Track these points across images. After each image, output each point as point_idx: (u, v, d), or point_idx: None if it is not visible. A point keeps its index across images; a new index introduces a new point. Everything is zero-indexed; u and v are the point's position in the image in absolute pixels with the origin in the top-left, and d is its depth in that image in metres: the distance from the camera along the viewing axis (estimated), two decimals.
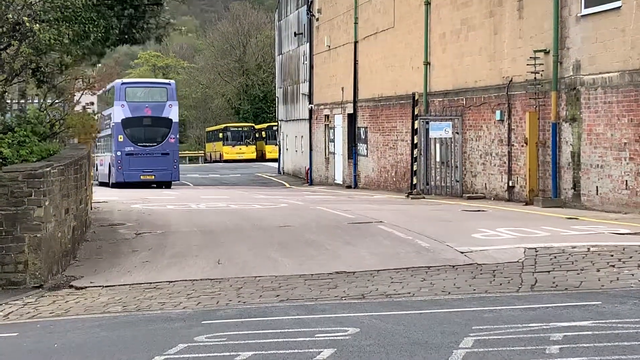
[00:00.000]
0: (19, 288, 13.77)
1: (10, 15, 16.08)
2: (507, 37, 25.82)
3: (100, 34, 16.94)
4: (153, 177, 42.44)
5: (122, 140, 42.10)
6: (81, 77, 23.61)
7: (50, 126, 19.88)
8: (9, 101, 20.55)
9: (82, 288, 13.74)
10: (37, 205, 13.85)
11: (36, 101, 21.95)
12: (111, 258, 16.29)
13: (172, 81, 47.70)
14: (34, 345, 9.85)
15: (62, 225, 15.39)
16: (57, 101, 21.90)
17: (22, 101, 21.95)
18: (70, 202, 16.37)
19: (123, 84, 43.70)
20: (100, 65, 26.15)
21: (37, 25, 15.81)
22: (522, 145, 24.72)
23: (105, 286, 13.76)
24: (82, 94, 23.74)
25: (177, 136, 44.11)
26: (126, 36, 18.44)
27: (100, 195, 29.85)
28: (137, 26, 18.48)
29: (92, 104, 24.27)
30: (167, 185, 43.07)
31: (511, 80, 25.45)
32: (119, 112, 42.54)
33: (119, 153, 42.23)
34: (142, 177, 42.04)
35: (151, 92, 44.08)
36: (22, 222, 13.81)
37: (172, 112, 42.96)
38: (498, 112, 26.22)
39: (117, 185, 41.75)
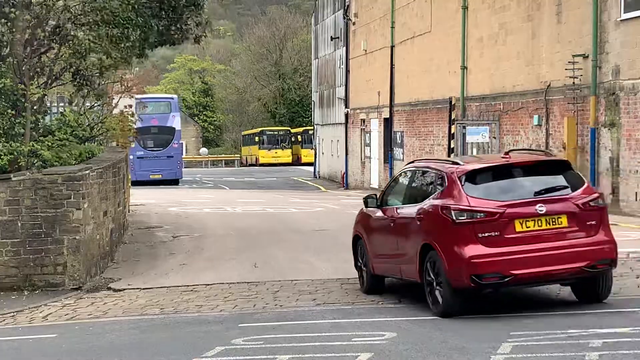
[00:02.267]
0: (57, 290, 13.91)
1: (51, 20, 16.26)
2: (545, 42, 25.65)
3: (139, 35, 17.07)
4: (160, 176, 49.23)
5: (134, 146, 45.60)
6: (120, 81, 23.80)
7: (89, 129, 20.06)
8: (49, 104, 20.77)
9: (120, 290, 13.84)
10: (76, 207, 13.98)
11: (75, 104, 22.16)
12: (149, 260, 16.39)
13: (175, 96, 55.77)
14: (72, 346, 9.94)
15: (101, 228, 15.52)
16: (96, 104, 22.09)
17: (62, 104, 22.17)
18: (109, 205, 16.51)
19: (136, 98, 47.66)
20: (138, 69, 26.33)
21: (77, 28, 15.97)
22: (560, 151, 24.54)
23: (143, 288, 13.84)
24: (121, 97, 23.94)
25: (180, 141, 51.02)
26: (164, 37, 18.53)
27: (138, 198, 30.05)
28: (175, 27, 18.57)
29: (131, 106, 24.44)
30: (174, 182, 49.52)
31: (549, 85, 25.28)
32: (138, 123, 45.17)
33: (131, 157, 45.42)
34: (151, 176, 48.82)
35: (157, 105, 50.76)
36: (61, 224, 13.96)
37: (175, 122, 50.31)
38: (536, 117, 26.05)
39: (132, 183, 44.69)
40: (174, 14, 18.23)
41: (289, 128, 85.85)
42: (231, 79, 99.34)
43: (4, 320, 12.23)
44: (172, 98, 53.70)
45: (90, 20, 16.16)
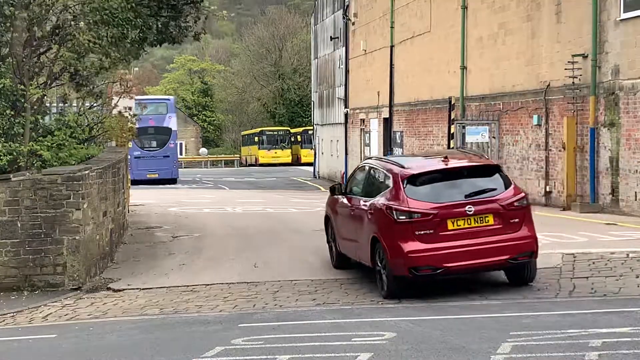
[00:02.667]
0: (57, 290, 13.91)
1: (52, 18, 16.25)
2: (545, 42, 25.66)
3: (138, 34, 17.07)
4: (157, 175, 50.65)
5: (131, 146, 47.40)
6: (119, 81, 23.79)
7: (89, 129, 20.06)
8: (48, 104, 20.76)
9: (119, 290, 13.85)
10: (76, 207, 13.98)
11: (75, 105, 22.15)
12: (148, 261, 16.39)
13: (172, 97, 56.40)
14: (72, 346, 9.94)
15: (100, 228, 15.52)
16: (95, 105, 22.09)
17: (61, 104, 22.16)
18: (108, 205, 16.51)
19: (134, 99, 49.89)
20: (137, 69, 26.32)
21: (76, 29, 15.97)
22: (560, 150, 24.55)
23: (143, 288, 13.85)
24: (120, 98, 23.94)
25: (176, 142, 52.27)
26: (163, 35, 18.52)
27: (137, 198, 30.05)
28: (175, 23, 18.56)
29: (130, 108, 24.44)
30: (171, 182, 50.53)
31: (549, 85, 25.29)
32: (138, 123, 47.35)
33: (129, 156, 47.07)
34: (148, 175, 50.21)
35: (154, 106, 51.38)
36: (60, 225, 13.96)
37: (172, 122, 51.52)
38: (535, 117, 26.06)
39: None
40: (173, 11, 18.23)
41: (289, 128, 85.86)
42: (231, 79, 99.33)
43: (3, 320, 12.23)
44: (169, 99, 55.25)
45: (90, 20, 16.16)
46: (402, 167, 13.23)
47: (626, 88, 21.72)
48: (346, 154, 48.04)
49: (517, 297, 11.75)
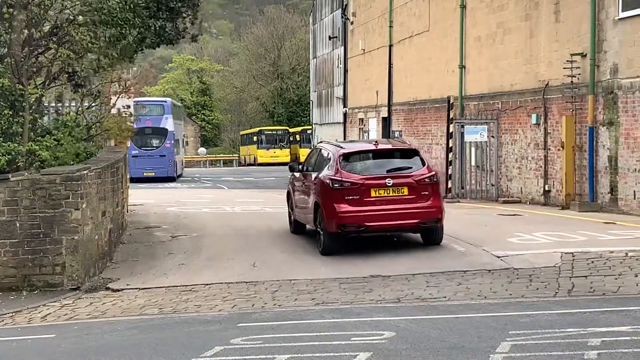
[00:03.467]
0: (56, 290, 13.91)
1: (51, 14, 16.25)
2: (544, 41, 25.67)
3: (136, 35, 17.08)
4: (153, 173, 53.38)
5: (129, 145, 51.71)
6: (117, 81, 23.81)
7: (87, 129, 20.06)
8: (46, 104, 20.76)
9: (118, 290, 13.85)
10: (75, 207, 13.98)
11: (73, 104, 22.15)
12: (147, 260, 16.39)
13: (168, 99, 60.13)
14: (71, 346, 9.94)
15: (99, 228, 15.51)
16: (93, 104, 22.09)
17: (60, 104, 22.17)
18: (107, 205, 16.50)
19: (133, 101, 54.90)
20: (135, 68, 26.34)
21: (75, 29, 15.98)
22: (559, 149, 24.56)
23: (142, 288, 13.85)
24: (118, 97, 23.95)
25: (172, 142, 54.48)
26: (161, 37, 18.55)
27: (136, 197, 30.04)
28: (173, 25, 18.59)
29: (129, 107, 24.44)
30: (169, 180, 53.22)
31: (547, 84, 25.30)
32: (136, 123, 51.79)
33: (127, 155, 50.05)
34: (144, 173, 52.98)
35: (152, 107, 55.13)
36: (59, 225, 13.95)
37: (168, 123, 54.33)
38: (534, 116, 26.07)
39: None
40: (171, 13, 18.25)
41: (287, 127, 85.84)
42: (229, 79, 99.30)
43: (2, 320, 12.23)
44: (165, 101, 57.86)
45: (88, 20, 16.16)
46: (341, 148, 17.07)
47: (625, 87, 21.73)
48: None
49: (516, 296, 11.76)
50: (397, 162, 16.67)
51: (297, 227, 19.06)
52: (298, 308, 11.53)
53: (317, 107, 60.26)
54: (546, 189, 25.41)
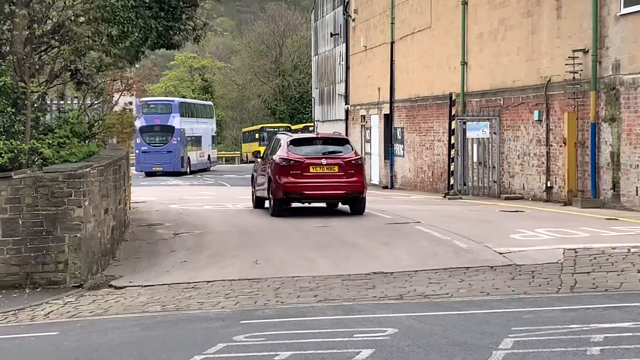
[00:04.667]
0: (59, 287, 13.92)
1: (54, 13, 16.25)
2: (545, 37, 25.65)
3: (138, 35, 17.09)
4: (161, 168, 57.81)
5: (139, 142, 58.02)
6: (119, 79, 23.82)
7: (89, 127, 20.06)
8: (48, 102, 20.77)
9: (121, 288, 13.85)
10: (77, 205, 13.98)
11: (75, 102, 22.16)
12: (150, 258, 16.40)
13: (176, 99, 65.64)
14: (74, 344, 9.95)
15: (102, 225, 15.52)
16: (96, 102, 22.10)
17: (62, 102, 22.17)
18: (110, 202, 16.51)
19: (140, 101, 60.38)
20: (137, 66, 26.38)
21: (77, 25, 15.98)
22: (561, 146, 24.55)
23: (144, 286, 13.85)
24: (121, 95, 23.96)
25: (179, 138, 58.78)
26: (164, 39, 18.58)
27: (139, 195, 30.05)
28: (175, 28, 18.62)
29: (131, 104, 24.48)
30: (176, 174, 57.24)
31: (549, 80, 25.28)
32: (137, 122, 56.98)
33: (137, 151, 58.50)
34: (153, 168, 57.78)
35: (160, 106, 60.08)
36: (62, 222, 13.96)
37: (175, 121, 58.82)
38: (536, 112, 26.06)
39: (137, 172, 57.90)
40: (174, 14, 18.26)
41: (289, 125, 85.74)
42: (231, 76, 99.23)
43: (5, 318, 12.24)
44: (173, 101, 62.58)
45: (91, 17, 16.16)
46: (290, 136, 23.22)
47: (627, 83, 21.71)
48: None
49: (519, 292, 11.75)
50: (332, 148, 22.33)
51: (257, 203, 24.51)
52: (300, 305, 11.54)
53: (319, 104, 60.23)
54: (548, 185, 25.41)
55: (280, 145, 22.36)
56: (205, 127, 65.97)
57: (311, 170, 21.36)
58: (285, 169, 21.40)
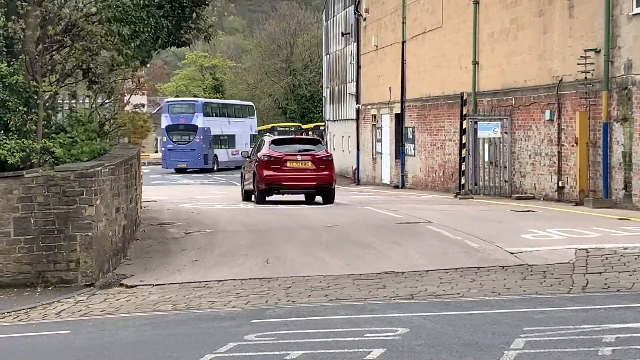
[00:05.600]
0: (70, 286, 13.96)
1: (66, 11, 16.28)
2: (557, 36, 25.60)
3: (149, 34, 17.12)
4: (185, 165, 61.71)
5: (165, 140, 63.16)
6: (131, 77, 23.87)
7: (100, 126, 20.11)
8: (60, 101, 20.82)
9: (132, 286, 13.88)
10: (89, 204, 14.02)
11: (87, 101, 22.20)
12: (161, 257, 16.42)
13: (200, 99, 70.42)
14: (85, 342, 9.98)
15: (113, 224, 15.55)
16: (107, 101, 22.15)
17: (73, 101, 22.22)
18: (121, 201, 16.54)
19: (167, 102, 67.57)
20: (148, 65, 26.47)
21: (89, 25, 16.02)
22: (572, 145, 24.50)
23: (156, 285, 13.87)
24: (132, 95, 24.03)
25: (202, 137, 62.51)
26: (174, 38, 18.62)
27: (150, 194, 30.10)
28: (185, 27, 18.65)
29: (143, 105, 24.65)
30: (203, 171, 61.25)
31: (561, 80, 25.23)
32: (164, 121, 64.01)
33: (163, 149, 64.18)
34: (178, 165, 61.78)
35: (184, 106, 64.41)
36: (73, 221, 13.99)
37: (199, 121, 62.85)
38: (547, 112, 26.01)
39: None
40: (184, 12, 18.29)
41: (300, 124, 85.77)
42: (242, 75, 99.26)
43: (17, 316, 12.28)
44: (197, 101, 67.08)
45: (103, 16, 16.20)
46: (272, 137, 28.66)
47: (639, 83, 21.65)
48: (358, 149, 48.00)
49: (530, 292, 11.73)
50: (306, 147, 27.02)
51: (246, 195, 28.68)
52: (311, 304, 11.54)
53: (330, 104, 60.25)
54: (560, 185, 25.35)
55: (264, 145, 26.77)
56: (240, 126, 69.72)
57: (288, 165, 25.84)
58: (267, 164, 25.76)
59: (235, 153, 67.30)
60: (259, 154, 26.31)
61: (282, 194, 26.94)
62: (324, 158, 26.27)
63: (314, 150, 26.53)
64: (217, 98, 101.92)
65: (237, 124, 69.48)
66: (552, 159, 25.84)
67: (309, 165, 25.80)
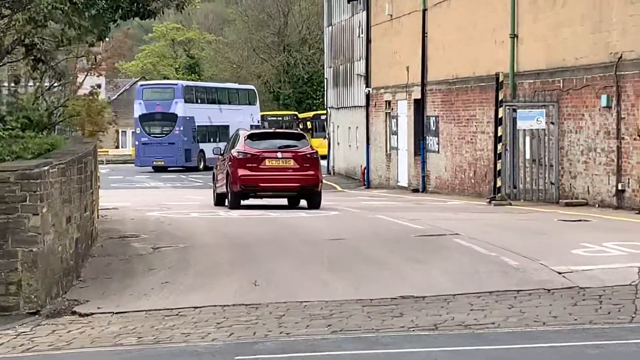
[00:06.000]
0: (10, 314, 13.93)
1: None
2: (616, 2, 25.61)
3: (108, 1, 17.14)
4: (162, 162, 62.33)
5: (139, 132, 63.71)
6: (85, 55, 23.89)
7: (48, 115, 20.12)
8: None
9: (87, 315, 13.88)
10: (33, 212, 13.99)
11: (31, 85, 22.24)
12: (123, 278, 16.44)
13: (180, 82, 72.13)
14: None
15: (63, 238, 15.56)
16: (56, 84, 22.17)
17: (14, 85, 22.25)
18: (73, 209, 16.54)
19: (141, 85, 68.45)
20: (107, 39, 26.49)
21: None
22: (635, 139, 24.53)
23: (116, 312, 13.88)
24: (87, 75, 24.05)
25: (182, 128, 63.34)
26: (139, 5, 18.60)
27: (110, 200, 30.14)
28: None
29: (99, 86, 24.59)
30: (186, 170, 62.32)
31: (621, 57, 25.25)
32: (137, 109, 65.29)
33: (136, 142, 65.34)
34: (154, 162, 62.60)
35: (161, 92, 65.31)
36: (14, 234, 13.96)
37: (178, 108, 63.72)
38: (604, 97, 26.02)
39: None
40: None
41: (296, 113, 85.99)
42: (224, 52, 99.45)
43: None
44: (176, 84, 68.57)
45: None
46: (249, 131, 30.52)
47: None
48: (368, 144, 48.06)
49: (583, 321, 11.74)
50: (288, 142, 28.02)
51: (218, 199, 29.81)
52: (310, 337, 11.55)
53: (333, 87, 60.31)
54: (619, 188, 25.37)
55: (238, 139, 28.09)
56: (237, 115, 68.84)
57: (267, 163, 26.91)
58: (242, 162, 26.88)
59: None
60: (233, 151, 27.43)
61: (260, 197, 28.21)
62: (309, 155, 27.36)
63: (297, 146, 27.63)
64: (193, 79, 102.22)
65: (233, 112, 69.43)
66: (610, 155, 25.86)
67: (291, 163, 26.95)
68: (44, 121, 19.30)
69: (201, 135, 64.51)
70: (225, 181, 27.82)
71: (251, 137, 27.98)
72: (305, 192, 27.48)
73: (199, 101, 67.08)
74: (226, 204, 28.15)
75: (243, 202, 27.73)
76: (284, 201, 28.98)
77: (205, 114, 66.26)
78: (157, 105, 63.53)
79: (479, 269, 15.67)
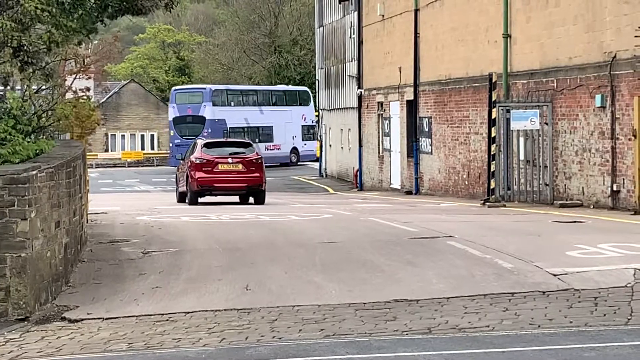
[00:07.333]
0: None
1: None
2: (610, 1, 25.64)
3: (95, 1, 17.10)
4: None
5: (172, 134, 71.09)
6: (73, 58, 23.85)
7: (37, 118, 20.08)
8: None
9: (77, 321, 13.86)
10: (21, 217, 13.97)
11: (18, 88, 22.19)
12: (113, 283, 16.42)
13: (209, 86, 76.71)
14: None
15: (52, 243, 15.53)
16: (44, 87, 22.13)
17: (2, 88, 22.19)
18: (62, 214, 16.52)
19: (174, 90, 75.35)
20: (96, 42, 26.47)
21: None
22: (630, 139, 24.55)
23: (106, 318, 13.87)
24: (75, 78, 24.01)
25: (211, 130, 67.50)
26: (127, 3, 18.54)
27: (99, 204, 30.12)
28: None
29: (88, 89, 24.56)
30: None
31: (615, 57, 25.28)
32: (171, 112, 72.65)
33: (171, 144, 72.42)
34: None
35: (192, 95, 71.64)
36: (2, 239, 13.94)
37: (206, 111, 70.08)
38: (598, 97, 26.05)
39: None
40: None
41: None
42: (214, 53, 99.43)
43: None
44: (204, 88, 74.25)
45: None
46: (205, 140, 39.61)
47: None
48: (360, 146, 48.10)
49: (578, 324, 11.75)
50: (238, 149, 34.64)
51: (180, 197, 35.67)
52: (303, 341, 11.55)
53: (325, 89, 60.33)
54: (614, 189, 25.40)
55: (196, 148, 34.29)
56: (283, 116, 74.53)
57: (220, 167, 33.21)
58: (199, 166, 33.06)
59: (273, 148, 72.62)
60: (191, 157, 33.74)
61: (215, 195, 34.03)
62: (254, 160, 34.01)
63: (244, 153, 34.38)
64: (183, 81, 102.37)
65: (277, 113, 73.65)
66: (605, 156, 25.89)
67: (240, 167, 33.48)
68: (33, 125, 19.23)
69: (236, 137, 65.94)
70: (185, 182, 34.02)
71: (207, 145, 34.63)
72: (252, 191, 33.95)
73: (231, 104, 71.02)
74: (187, 200, 33.77)
75: (200, 200, 33.71)
76: (235, 198, 35.15)
77: (241, 116, 70.38)
78: (187, 108, 69.28)
79: (473, 272, 15.67)
